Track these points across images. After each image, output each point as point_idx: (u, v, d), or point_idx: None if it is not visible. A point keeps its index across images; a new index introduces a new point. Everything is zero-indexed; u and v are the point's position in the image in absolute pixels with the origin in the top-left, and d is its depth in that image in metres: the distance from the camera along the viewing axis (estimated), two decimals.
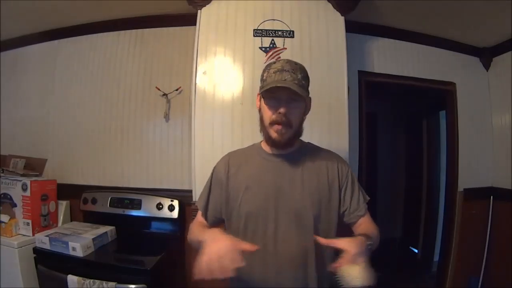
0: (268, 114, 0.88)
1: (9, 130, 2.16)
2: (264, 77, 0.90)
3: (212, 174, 1.02)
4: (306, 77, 0.90)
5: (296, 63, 0.89)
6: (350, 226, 0.95)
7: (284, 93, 0.84)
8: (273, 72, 0.86)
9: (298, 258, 0.86)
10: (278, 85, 0.82)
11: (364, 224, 0.93)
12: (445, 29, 2.07)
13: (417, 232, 3.27)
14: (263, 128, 0.92)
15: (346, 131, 1.54)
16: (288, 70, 0.85)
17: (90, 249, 1.47)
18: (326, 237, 0.89)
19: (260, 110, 0.93)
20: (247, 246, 0.72)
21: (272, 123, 0.87)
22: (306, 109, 0.94)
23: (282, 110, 0.85)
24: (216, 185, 0.99)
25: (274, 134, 0.88)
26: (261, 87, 0.90)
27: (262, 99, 0.91)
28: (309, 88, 0.92)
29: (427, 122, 3.28)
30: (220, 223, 1.01)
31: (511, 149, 2.09)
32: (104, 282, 1.32)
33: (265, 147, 0.97)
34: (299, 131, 0.92)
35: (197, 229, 0.92)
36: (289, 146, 0.92)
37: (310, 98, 0.94)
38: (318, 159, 0.96)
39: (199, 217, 1.02)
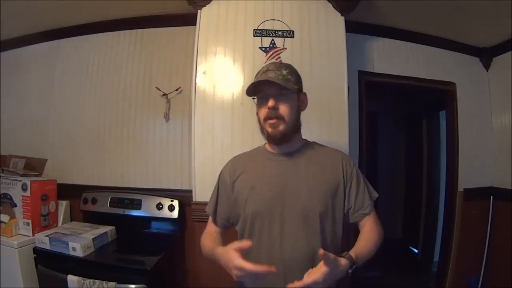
0: (262, 112, 0.91)
1: (9, 130, 2.16)
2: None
3: (218, 179, 1.03)
4: (292, 73, 0.93)
5: (281, 63, 0.94)
6: (356, 225, 0.94)
7: (270, 89, 0.88)
8: (260, 75, 0.91)
9: (305, 257, 0.85)
10: (260, 79, 0.87)
11: (368, 226, 0.92)
12: (445, 29, 2.07)
13: (417, 232, 3.27)
14: (261, 127, 0.94)
15: (346, 131, 1.54)
16: (271, 70, 0.90)
17: (90, 249, 1.47)
18: (332, 236, 0.90)
19: (257, 113, 0.95)
20: (240, 245, 0.75)
21: (266, 119, 0.90)
22: (301, 103, 0.95)
23: (270, 103, 0.87)
24: (223, 190, 1.00)
25: (269, 129, 0.90)
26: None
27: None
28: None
29: (427, 122, 3.27)
30: (230, 228, 1.02)
31: (511, 149, 2.09)
32: (104, 282, 1.32)
33: (269, 147, 0.99)
34: (295, 126, 0.93)
35: (208, 244, 0.95)
36: (286, 140, 0.92)
37: (304, 93, 0.96)
38: (322, 157, 0.96)
39: (209, 226, 1.03)
